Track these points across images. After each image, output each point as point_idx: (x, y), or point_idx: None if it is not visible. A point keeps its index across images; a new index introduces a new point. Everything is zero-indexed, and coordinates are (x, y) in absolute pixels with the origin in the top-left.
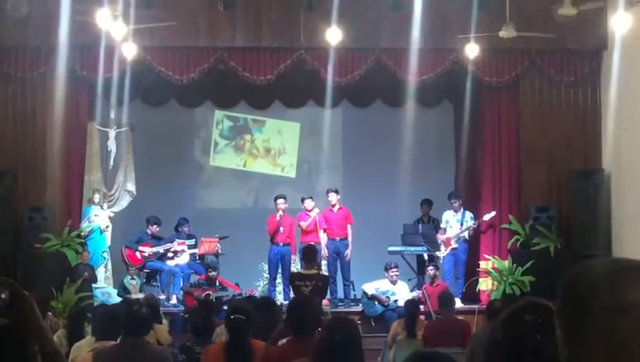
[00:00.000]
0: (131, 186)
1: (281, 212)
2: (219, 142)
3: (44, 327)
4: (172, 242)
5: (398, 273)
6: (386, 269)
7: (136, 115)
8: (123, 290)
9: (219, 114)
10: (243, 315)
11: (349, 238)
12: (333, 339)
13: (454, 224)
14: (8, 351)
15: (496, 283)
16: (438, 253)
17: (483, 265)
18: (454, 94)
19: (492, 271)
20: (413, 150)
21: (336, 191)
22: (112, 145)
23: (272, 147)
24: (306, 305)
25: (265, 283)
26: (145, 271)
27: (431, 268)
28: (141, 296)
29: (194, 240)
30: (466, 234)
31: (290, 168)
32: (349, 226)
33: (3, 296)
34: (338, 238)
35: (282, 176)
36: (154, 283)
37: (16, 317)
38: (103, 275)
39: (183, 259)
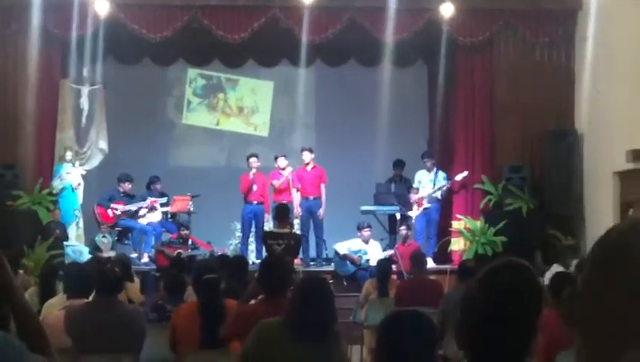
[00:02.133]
0: (103, 144)
1: (254, 170)
2: (192, 100)
3: (16, 286)
4: (144, 200)
5: (370, 232)
6: (359, 228)
7: (110, 72)
8: (95, 248)
9: (192, 72)
10: (212, 274)
11: (323, 197)
12: (305, 299)
13: (427, 184)
14: None
15: (468, 243)
16: (410, 213)
17: (455, 225)
18: (429, 54)
19: (464, 231)
20: (387, 110)
21: (310, 150)
22: (84, 102)
23: (245, 106)
24: (278, 264)
25: (237, 241)
26: (117, 229)
27: (403, 227)
28: (113, 254)
29: (166, 198)
30: (438, 194)
31: (263, 127)
32: (322, 185)
33: None
34: (311, 197)
35: (255, 134)
36: (126, 242)
37: None
38: (75, 233)
39: (155, 217)
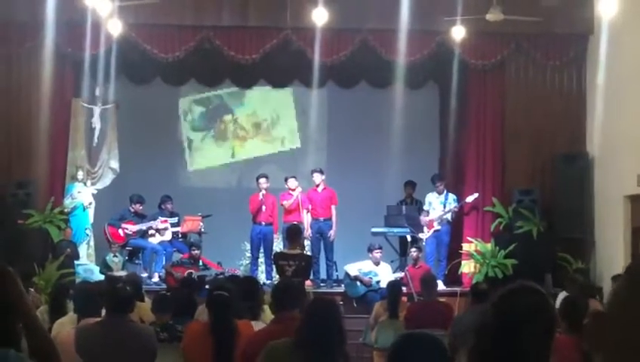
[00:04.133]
0: (115, 164)
1: (263, 191)
2: (192, 138)
3: (29, 304)
4: (155, 220)
5: (381, 254)
6: (369, 250)
7: (122, 92)
8: (105, 268)
9: (184, 102)
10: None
11: (333, 219)
12: (315, 320)
13: (437, 206)
14: None
15: (478, 265)
16: (420, 235)
17: (466, 247)
18: (440, 76)
19: (475, 253)
20: (398, 131)
21: (321, 172)
22: (96, 122)
23: (261, 119)
24: (289, 285)
25: (247, 262)
26: (127, 248)
27: (414, 249)
28: (123, 273)
29: (177, 218)
30: (448, 216)
31: (291, 137)
32: (333, 207)
33: None
34: (322, 218)
35: (285, 150)
36: (136, 261)
37: (1, 293)
38: (86, 252)
39: (166, 237)
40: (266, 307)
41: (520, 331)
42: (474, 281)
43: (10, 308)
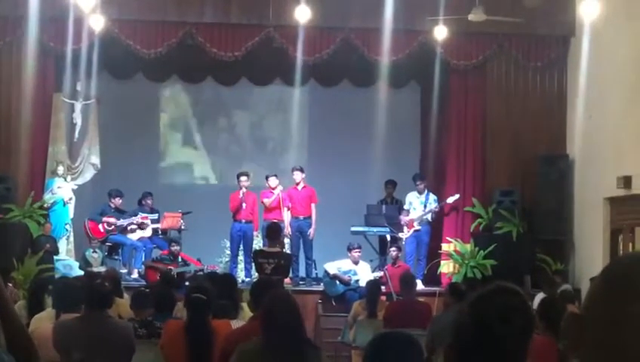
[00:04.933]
0: (96, 159)
1: (244, 189)
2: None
3: (7, 298)
4: (135, 216)
5: (360, 253)
6: (349, 249)
7: (103, 87)
8: (85, 263)
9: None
10: (203, 294)
11: (313, 217)
12: (273, 318)
13: (417, 206)
14: None
15: (457, 266)
16: (400, 235)
17: (445, 247)
18: (422, 76)
19: (454, 253)
20: (380, 131)
21: (301, 170)
22: (77, 117)
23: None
24: (266, 284)
25: (227, 259)
26: (107, 244)
27: (393, 249)
28: (103, 269)
29: (157, 214)
30: (429, 217)
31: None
32: (313, 205)
33: None
34: (302, 217)
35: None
36: (116, 257)
37: None
38: (65, 247)
39: (146, 233)
40: (244, 305)
41: (497, 331)
42: (452, 281)
43: None
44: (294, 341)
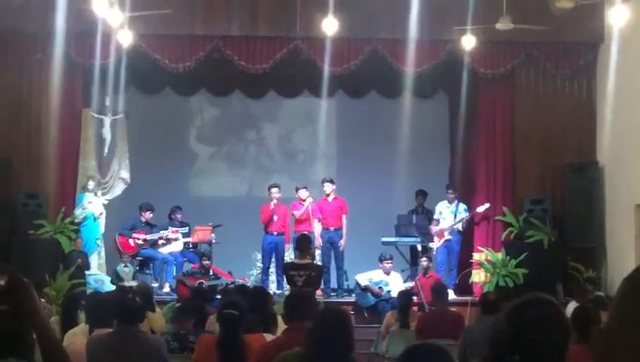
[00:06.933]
0: (125, 174)
1: (275, 201)
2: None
3: (43, 314)
4: (166, 230)
5: (391, 265)
6: (380, 260)
7: (132, 102)
8: (116, 278)
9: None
10: (236, 310)
11: (344, 228)
12: (324, 330)
13: (448, 215)
14: (6, 338)
15: (489, 275)
16: (431, 245)
17: (476, 256)
18: (450, 85)
19: (485, 263)
20: (408, 141)
21: (332, 181)
22: (106, 132)
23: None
24: (299, 297)
25: (258, 272)
26: (138, 258)
27: (424, 259)
28: (134, 283)
29: (187, 228)
30: (459, 226)
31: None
32: (343, 216)
33: (2, 282)
34: (332, 228)
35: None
36: (147, 271)
37: (15, 303)
38: (96, 262)
39: (177, 247)
40: (279, 317)
41: (534, 342)
42: (484, 290)
43: (25, 318)
44: (337, 355)
